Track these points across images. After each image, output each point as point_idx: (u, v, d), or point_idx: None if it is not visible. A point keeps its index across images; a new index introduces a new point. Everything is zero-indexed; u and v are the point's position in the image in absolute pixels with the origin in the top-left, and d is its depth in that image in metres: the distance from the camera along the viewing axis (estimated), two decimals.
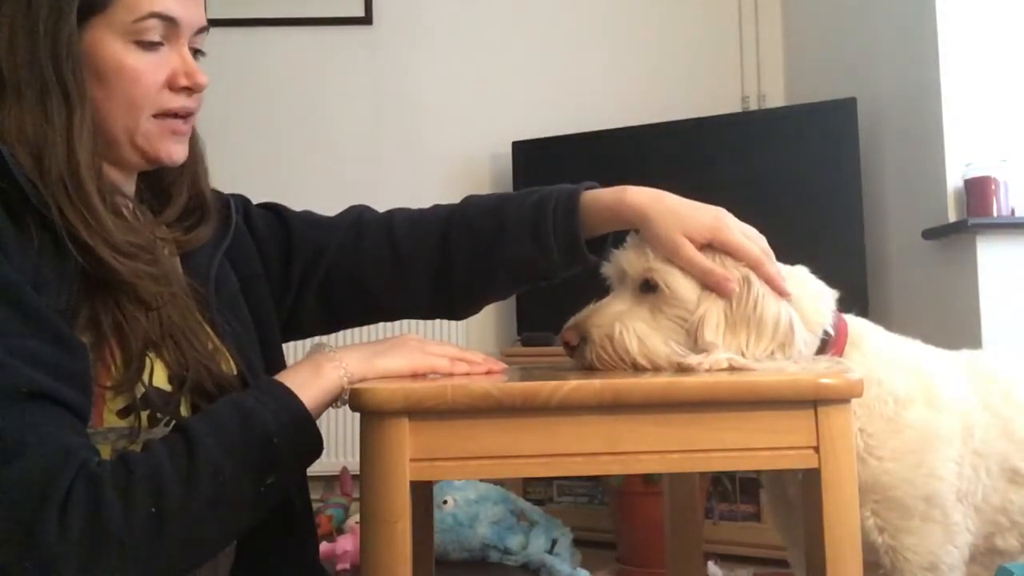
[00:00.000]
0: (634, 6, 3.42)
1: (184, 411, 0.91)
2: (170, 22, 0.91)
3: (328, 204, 1.24)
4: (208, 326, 0.98)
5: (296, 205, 1.18)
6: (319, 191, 3.33)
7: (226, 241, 1.05)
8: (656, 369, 0.95)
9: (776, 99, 3.36)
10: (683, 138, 2.97)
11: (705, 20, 3.39)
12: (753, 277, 0.96)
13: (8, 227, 0.81)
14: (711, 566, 2.43)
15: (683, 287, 0.97)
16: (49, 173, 0.84)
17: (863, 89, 2.77)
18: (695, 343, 0.95)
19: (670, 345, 0.96)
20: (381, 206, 1.18)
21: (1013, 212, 2.27)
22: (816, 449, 0.76)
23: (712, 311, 0.95)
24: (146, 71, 0.91)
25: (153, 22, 0.90)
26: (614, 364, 0.96)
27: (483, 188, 3.35)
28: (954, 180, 2.35)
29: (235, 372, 0.98)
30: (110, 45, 0.89)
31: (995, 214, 2.24)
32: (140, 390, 0.87)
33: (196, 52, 0.97)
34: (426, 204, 1.17)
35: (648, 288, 0.99)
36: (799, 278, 1.04)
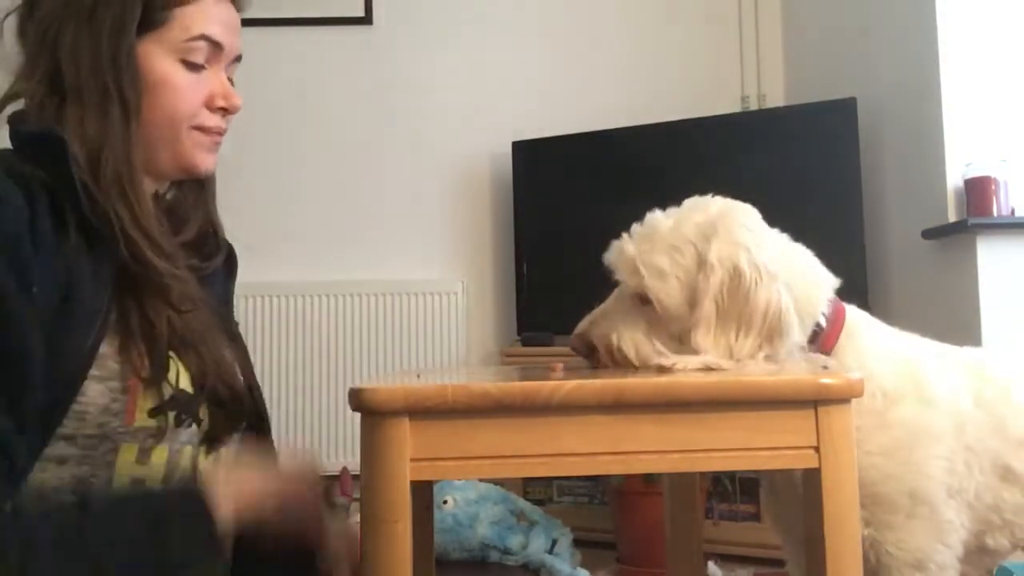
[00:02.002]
0: (634, 6, 3.42)
1: (202, 414, 0.95)
2: (215, 46, 0.98)
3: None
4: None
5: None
6: (319, 191, 3.34)
7: (232, 278, 1.13)
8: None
9: (776, 99, 3.35)
10: (683, 138, 2.96)
11: (705, 20, 3.39)
12: (744, 266, 0.96)
13: (49, 226, 0.84)
14: (711, 566, 2.43)
15: (676, 304, 0.99)
16: (104, 172, 0.89)
17: (863, 89, 2.77)
18: (691, 347, 0.97)
19: (657, 347, 0.99)
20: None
21: (1013, 212, 2.27)
22: (816, 449, 0.75)
23: (705, 315, 0.96)
24: (188, 88, 0.97)
25: (201, 44, 0.96)
26: (622, 367, 1.01)
27: (483, 188, 3.35)
28: (954, 180, 2.35)
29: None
30: (160, 60, 0.95)
31: (995, 214, 2.24)
32: (168, 391, 0.90)
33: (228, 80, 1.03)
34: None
35: (645, 300, 1.01)
36: (797, 264, 1.04)
